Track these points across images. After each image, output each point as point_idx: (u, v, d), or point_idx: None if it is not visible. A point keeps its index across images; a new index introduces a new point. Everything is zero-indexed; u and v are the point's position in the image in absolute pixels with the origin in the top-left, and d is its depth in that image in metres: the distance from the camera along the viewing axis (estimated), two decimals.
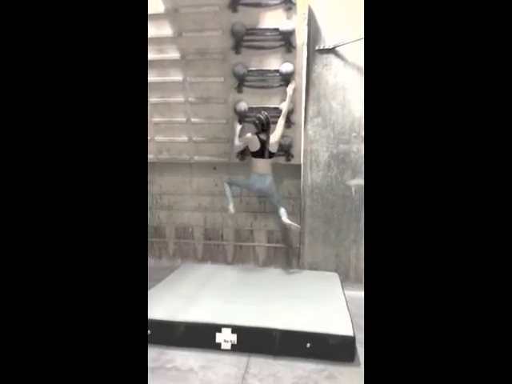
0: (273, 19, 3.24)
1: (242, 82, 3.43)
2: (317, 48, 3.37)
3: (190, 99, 3.61)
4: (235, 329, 2.42)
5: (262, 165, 3.35)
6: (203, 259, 4.12)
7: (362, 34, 3.01)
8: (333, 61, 3.39)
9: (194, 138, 3.73)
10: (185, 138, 3.75)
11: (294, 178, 3.71)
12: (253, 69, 3.40)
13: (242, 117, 3.49)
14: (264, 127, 3.22)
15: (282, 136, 3.40)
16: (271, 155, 3.35)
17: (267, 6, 3.23)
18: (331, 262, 3.71)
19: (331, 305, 2.81)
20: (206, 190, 3.98)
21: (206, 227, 4.07)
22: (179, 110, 3.66)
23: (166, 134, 3.77)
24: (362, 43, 3.15)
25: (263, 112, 3.27)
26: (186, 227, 4.11)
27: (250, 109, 3.44)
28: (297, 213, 3.79)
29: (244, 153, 3.57)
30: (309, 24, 3.33)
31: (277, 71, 3.35)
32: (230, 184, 3.56)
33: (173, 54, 3.47)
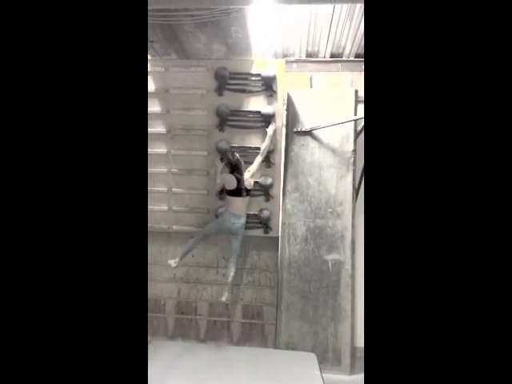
0: (255, 103, 3.56)
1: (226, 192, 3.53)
2: (295, 130, 3.66)
3: (172, 170, 3.72)
4: None
5: (238, 204, 3.32)
6: (174, 336, 3.87)
7: (334, 121, 3.34)
8: (309, 142, 3.66)
9: (174, 208, 3.77)
10: (165, 207, 3.77)
11: (272, 251, 3.72)
12: (235, 145, 3.61)
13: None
14: (233, 168, 3.24)
15: (256, 173, 3.41)
16: (247, 193, 3.33)
17: (250, 92, 3.56)
18: (308, 340, 3.56)
19: None
20: (183, 260, 3.89)
21: (179, 300, 3.89)
22: (161, 180, 3.74)
23: None
24: (334, 128, 3.46)
25: (235, 153, 3.31)
26: (158, 299, 3.92)
27: None
28: (274, 286, 3.72)
29: (222, 191, 3.55)
30: (288, 109, 3.66)
31: (258, 148, 3.57)
32: (204, 236, 3.47)
33: (159, 128, 3.68)
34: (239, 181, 3.25)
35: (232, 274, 3.36)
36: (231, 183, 3.27)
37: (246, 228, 3.47)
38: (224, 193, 3.51)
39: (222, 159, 3.54)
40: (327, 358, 3.50)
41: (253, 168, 3.35)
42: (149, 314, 3.89)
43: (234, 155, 3.28)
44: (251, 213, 3.59)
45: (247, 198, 3.37)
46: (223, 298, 3.35)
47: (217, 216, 3.62)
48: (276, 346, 3.61)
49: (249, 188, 3.33)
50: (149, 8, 2.48)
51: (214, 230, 3.45)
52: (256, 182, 3.53)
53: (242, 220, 3.37)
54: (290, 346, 3.55)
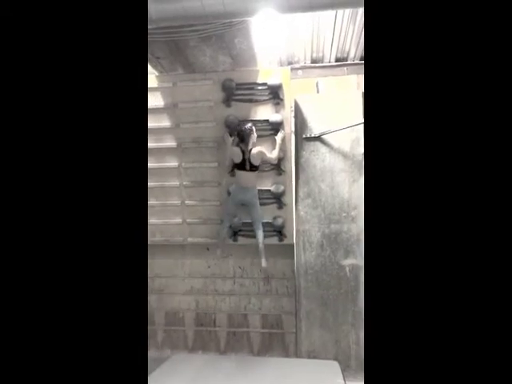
0: (263, 112, 3.57)
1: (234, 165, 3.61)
2: (304, 136, 3.65)
3: (184, 183, 3.76)
4: None
5: (244, 177, 3.33)
6: (194, 348, 3.86)
7: (343, 124, 3.32)
8: (319, 147, 3.64)
9: (188, 220, 3.79)
10: (179, 220, 3.80)
11: (288, 258, 3.70)
12: None
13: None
14: (240, 137, 3.23)
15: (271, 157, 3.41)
16: (253, 168, 3.31)
17: (257, 101, 3.59)
18: (330, 348, 3.50)
19: None
20: (199, 271, 3.90)
21: (197, 311, 3.89)
22: (174, 194, 3.78)
23: (159, 217, 3.82)
24: (344, 132, 3.44)
25: (249, 124, 3.32)
26: (177, 312, 3.92)
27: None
28: (292, 294, 3.68)
29: (233, 170, 3.55)
30: (295, 116, 3.66)
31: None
32: (228, 217, 3.52)
33: (170, 142, 3.73)
34: (244, 152, 3.25)
35: (261, 238, 3.40)
36: (237, 156, 3.31)
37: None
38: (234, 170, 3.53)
39: (231, 134, 3.53)
40: (350, 366, 3.43)
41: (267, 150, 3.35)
42: (168, 327, 3.91)
43: (244, 126, 3.29)
44: (266, 220, 3.56)
45: (255, 173, 3.37)
46: (263, 264, 3.42)
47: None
48: (297, 355, 3.56)
49: (255, 164, 3.31)
50: (154, 26, 2.54)
51: (231, 207, 3.49)
52: (268, 190, 3.54)
53: (252, 192, 3.38)
54: (312, 355, 3.50)
